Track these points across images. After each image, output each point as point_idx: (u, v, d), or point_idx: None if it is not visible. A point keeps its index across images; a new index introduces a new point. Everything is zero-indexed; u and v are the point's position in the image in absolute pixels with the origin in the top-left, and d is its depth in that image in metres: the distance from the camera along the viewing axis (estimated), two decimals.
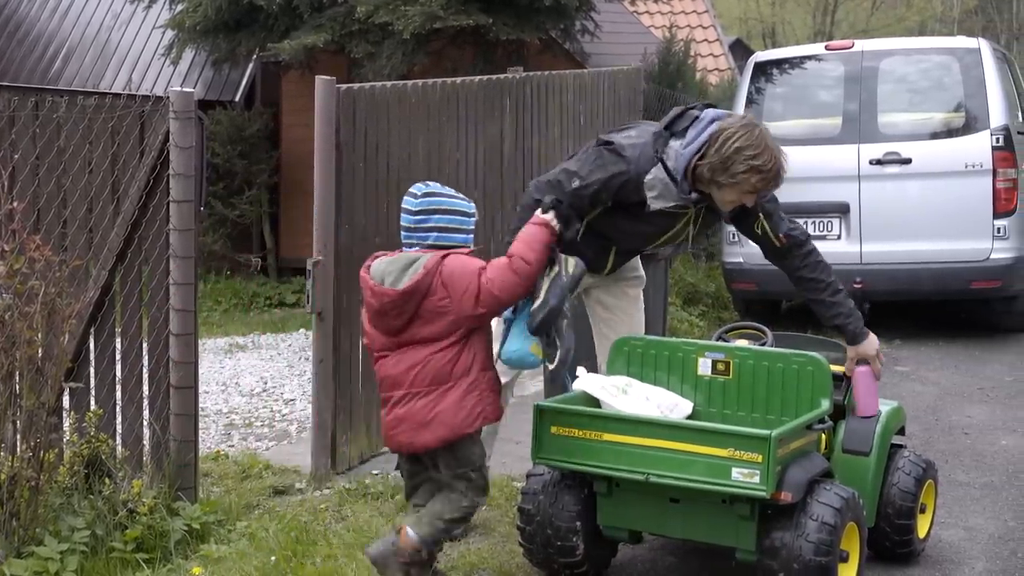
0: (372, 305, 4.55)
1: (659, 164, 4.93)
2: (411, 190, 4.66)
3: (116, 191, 5.62)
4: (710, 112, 4.98)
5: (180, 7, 12.75)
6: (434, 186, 4.69)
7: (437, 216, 4.58)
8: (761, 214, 5.14)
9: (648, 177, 4.95)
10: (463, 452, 4.58)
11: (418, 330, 4.51)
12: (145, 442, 5.69)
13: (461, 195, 4.72)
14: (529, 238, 4.56)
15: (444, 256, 4.50)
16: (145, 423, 5.70)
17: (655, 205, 5.00)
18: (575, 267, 4.62)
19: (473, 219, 4.67)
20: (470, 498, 4.61)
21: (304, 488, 6.26)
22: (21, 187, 5.57)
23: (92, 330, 5.64)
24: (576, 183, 4.97)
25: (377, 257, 4.64)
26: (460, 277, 4.46)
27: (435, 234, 4.57)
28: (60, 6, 16.73)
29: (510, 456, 6.51)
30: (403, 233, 4.63)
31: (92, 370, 5.69)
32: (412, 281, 4.44)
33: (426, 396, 4.50)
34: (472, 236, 4.66)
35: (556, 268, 4.59)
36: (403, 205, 4.64)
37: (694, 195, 4.95)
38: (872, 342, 5.15)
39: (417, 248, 4.57)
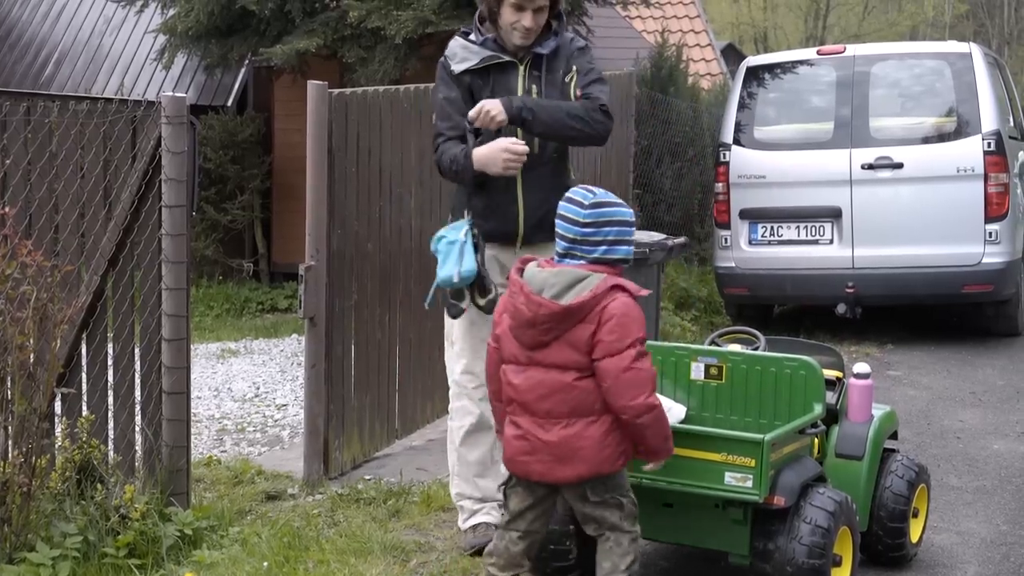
0: (523, 313, 4.21)
1: (455, 39, 5.24)
2: (573, 196, 4.32)
3: (108, 196, 5.62)
4: None
5: (172, 12, 12.73)
6: (601, 193, 4.33)
7: (608, 229, 4.25)
8: (575, 66, 5.24)
9: (448, 52, 5.22)
10: (615, 478, 4.29)
11: (558, 353, 4.19)
12: (137, 447, 5.68)
13: (620, 199, 4.41)
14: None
15: (613, 286, 4.16)
16: (137, 428, 5.68)
17: (459, 68, 5.16)
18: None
19: (634, 228, 4.37)
20: (628, 529, 4.31)
21: (297, 493, 6.25)
22: (13, 192, 5.56)
23: (84, 335, 5.63)
24: (441, 109, 5.25)
25: (528, 261, 4.34)
26: (618, 330, 4.11)
27: (604, 248, 4.25)
28: (52, 11, 16.72)
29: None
30: (563, 243, 4.29)
31: (84, 375, 5.68)
32: (577, 300, 4.13)
33: (565, 428, 4.17)
34: (633, 248, 4.37)
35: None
36: (563, 212, 4.30)
37: (491, 35, 5.15)
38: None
39: (581, 263, 4.24)
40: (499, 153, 5.03)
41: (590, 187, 4.40)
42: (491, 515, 5.30)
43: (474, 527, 5.28)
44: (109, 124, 5.58)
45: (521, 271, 4.32)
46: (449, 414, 5.37)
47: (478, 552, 5.16)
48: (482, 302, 5.08)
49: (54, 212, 5.65)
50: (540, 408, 4.21)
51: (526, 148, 5.06)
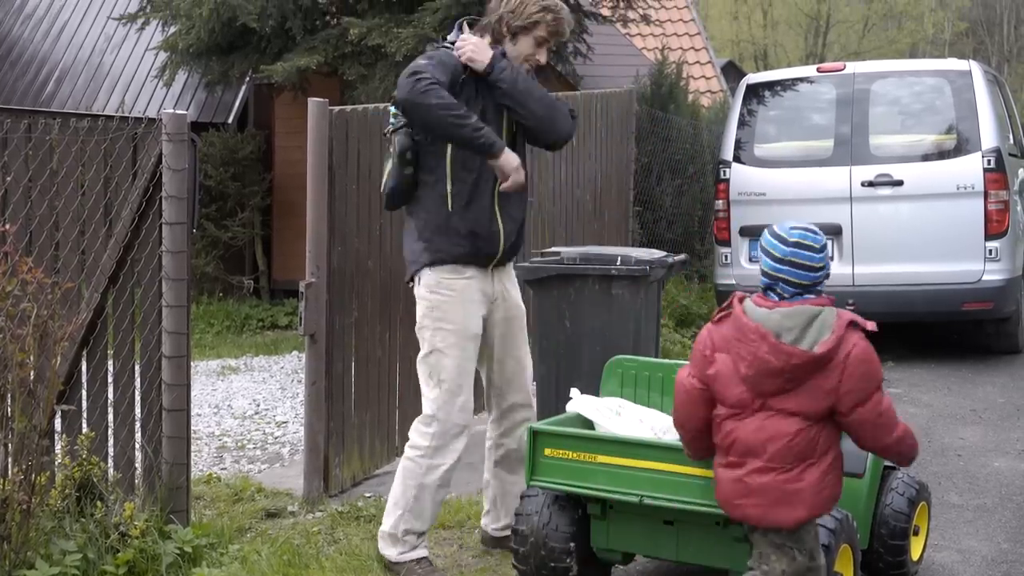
0: (769, 363, 4.04)
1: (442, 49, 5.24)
2: (803, 241, 4.16)
3: (109, 213, 5.62)
4: None
5: (173, 29, 12.77)
6: (821, 233, 4.24)
7: (829, 264, 4.25)
8: None
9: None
10: (804, 529, 4.18)
11: (795, 400, 4.07)
12: (137, 465, 5.67)
13: None
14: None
15: (849, 323, 4.08)
16: (137, 446, 5.68)
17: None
18: None
19: None
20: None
21: (296, 511, 6.25)
22: (14, 209, 5.57)
23: (84, 352, 5.63)
24: (439, 62, 5.15)
25: (742, 299, 4.20)
26: (866, 379, 4.06)
27: (826, 280, 4.21)
28: (53, 28, 16.76)
29: None
30: (793, 288, 4.13)
31: (84, 392, 5.67)
32: (825, 347, 4.01)
33: (787, 472, 4.08)
34: None
35: None
36: (800, 260, 4.13)
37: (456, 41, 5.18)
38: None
39: (808, 298, 4.13)
40: (514, 163, 5.03)
41: (809, 226, 4.23)
42: (426, 548, 5.27)
43: (418, 560, 5.19)
44: (110, 141, 5.59)
45: (744, 312, 4.16)
46: (424, 451, 5.16)
47: None
48: None
49: (55, 229, 5.66)
50: (764, 452, 4.08)
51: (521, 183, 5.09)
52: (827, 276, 4.20)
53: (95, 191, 5.63)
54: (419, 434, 5.19)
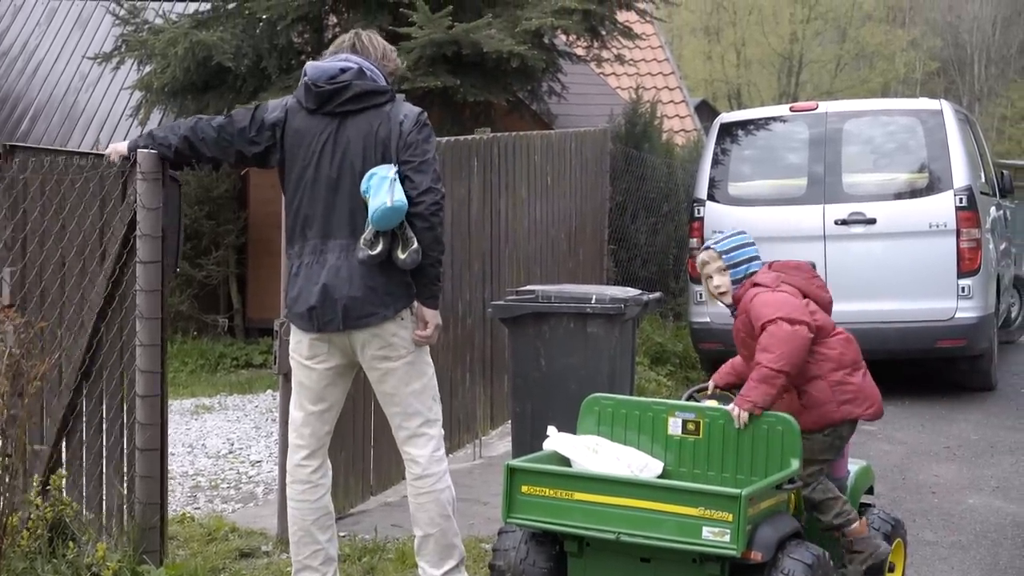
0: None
1: None
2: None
3: (83, 253, 5.60)
4: None
5: (148, 68, 12.76)
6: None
7: None
8: None
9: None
10: None
11: None
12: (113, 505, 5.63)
13: None
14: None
15: None
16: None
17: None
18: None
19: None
20: None
21: (270, 551, 6.21)
22: None
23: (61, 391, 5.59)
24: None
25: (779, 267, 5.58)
26: None
27: None
28: (28, 67, 16.74)
29: (478, 517, 6.49)
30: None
31: (58, 432, 5.63)
32: None
33: None
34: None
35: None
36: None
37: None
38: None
39: None
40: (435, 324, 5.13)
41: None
42: None
43: None
44: (83, 180, 5.57)
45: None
46: (446, 472, 5.16)
47: None
48: (403, 255, 4.89)
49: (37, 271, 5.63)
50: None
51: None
52: None
53: (69, 230, 5.61)
54: (438, 461, 5.10)
